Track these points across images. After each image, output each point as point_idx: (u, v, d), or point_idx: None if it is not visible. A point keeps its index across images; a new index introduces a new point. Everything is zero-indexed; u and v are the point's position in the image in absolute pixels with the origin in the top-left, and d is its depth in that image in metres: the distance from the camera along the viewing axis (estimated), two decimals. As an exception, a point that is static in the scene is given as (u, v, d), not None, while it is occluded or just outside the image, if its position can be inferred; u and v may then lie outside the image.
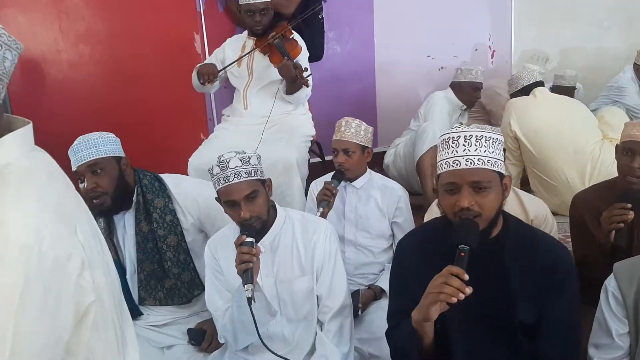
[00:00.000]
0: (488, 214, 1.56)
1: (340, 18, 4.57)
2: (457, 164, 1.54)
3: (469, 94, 4.21)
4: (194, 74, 3.29)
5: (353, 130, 2.68)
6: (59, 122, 3.55)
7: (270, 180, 2.08)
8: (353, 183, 2.74)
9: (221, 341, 2.14)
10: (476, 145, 1.54)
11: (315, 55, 4.02)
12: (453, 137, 1.57)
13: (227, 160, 1.94)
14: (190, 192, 2.40)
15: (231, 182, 1.94)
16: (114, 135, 2.29)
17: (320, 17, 4.14)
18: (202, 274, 2.32)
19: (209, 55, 3.72)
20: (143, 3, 3.61)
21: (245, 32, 3.43)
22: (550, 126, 3.59)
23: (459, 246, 1.47)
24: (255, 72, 3.33)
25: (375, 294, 2.64)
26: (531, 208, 2.50)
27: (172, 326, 2.37)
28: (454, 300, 1.40)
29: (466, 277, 1.42)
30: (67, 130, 3.48)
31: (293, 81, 3.15)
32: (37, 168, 1.02)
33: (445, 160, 1.58)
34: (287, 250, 2.08)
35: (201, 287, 2.34)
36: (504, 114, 3.83)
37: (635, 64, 4.74)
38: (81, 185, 2.18)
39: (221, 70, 3.27)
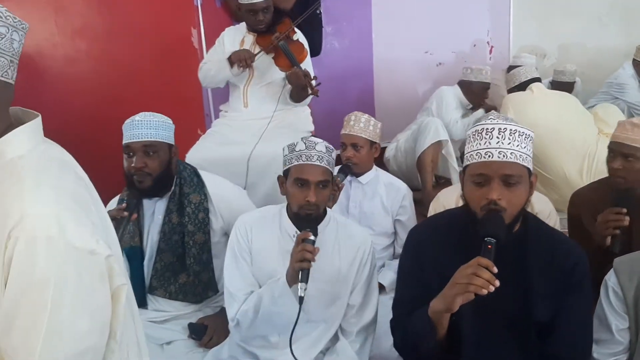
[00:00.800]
0: (514, 210, 1.55)
1: (338, 13, 4.56)
2: (489, 156, 1.53)
3: (479, 93, 4.20)
4: (206, 67, 3.28)
5: (362, 125, 2.68)
6: (55, 117, 3.49)
7: (338, 183, 2.09)
8: (359, 179, 2.74)
9: (231, 324, 2.08)
10: (510, 139, 1.53)
11: (314, 50, 4.00)
12: (487, 129, 1.55)
13: (315, 142, 1.97)
14: (227, 195, 2.41)
15: (313, 162, 1.95)
16: (172, 122, 2.31)
17: (318, 12, 4.12)
18: (218, 275, 2.33)
19: (207, 50, 3.70)
20: (140, -2, 3.59)
21: (244, 25, 3.37)
22: (547, 121, 3.58)
23: (486, 238, 1.46)
24: (257, 70, 3.28)
25: (375, 289, 2.64)
26: (536, 203, 2.48)
27: (172, 321, 2.35)
28: (484, 292, 1.39)
29: (495, 269, 1.41)
30: (63, 125, 3.48)
31: (302, 88, 3.12)
32: (49, 160, 1.03)
33: (476, 151, 1.56)
34: (326, 252, 2.03)
35: (215, 290, 2.34)
36: (501, 109, 3.83)
37: (634, 60, 4.73)
38: (127, 161, 2.18)
39: (257, 54, 3.18)
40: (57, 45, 3.60)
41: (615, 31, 5.46)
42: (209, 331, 2.28)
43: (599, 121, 3.77)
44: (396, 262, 2.23)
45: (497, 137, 1.53)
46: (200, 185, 2.36)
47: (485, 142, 1.54)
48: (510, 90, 3.97)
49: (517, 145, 1.53)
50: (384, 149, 4.28)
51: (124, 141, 2.19)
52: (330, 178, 2.00)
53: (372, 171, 2.77)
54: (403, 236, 2.76)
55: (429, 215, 2.56)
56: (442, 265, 1.52)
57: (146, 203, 2.33)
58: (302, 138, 2.00)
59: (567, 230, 2.57)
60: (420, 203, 3.52)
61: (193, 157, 3.09)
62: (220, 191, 2.40)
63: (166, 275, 2.33)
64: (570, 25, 5.42)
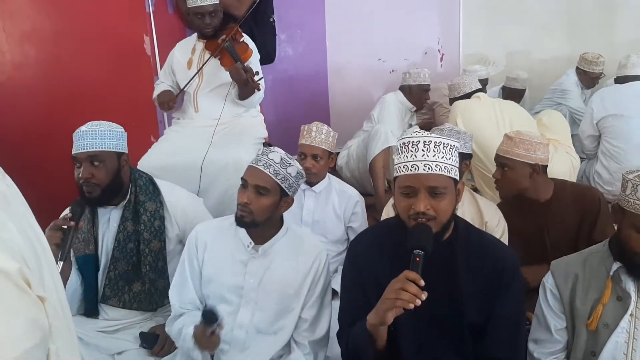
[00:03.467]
0: (442, 218, 1.60)
1: (292, 20, 4.59)
2: (415, 169, 1.58)
3: (419, 96, 4.32)
4: (155, 94, 3.35)
5: (323, 137, 2.71)
6: (3, 124, 3.46)
7: (292, 199, 2.04)
8: (313, 188, 2.77)
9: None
10: (434, 151, 1.58)
11: (268, 57, 4.03)
12: (412, 142, 1.61)
13: (271, 151, 1.98)
14: (182, 203, 2.41)
15: (257, 165, 1.96)
16: (123, 130, 2.29)
17: (271, 19, 4.16)
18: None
19: (159, 56, 3.68)
20: (91, 3, 3.53)
21: (195, 35, 3.40)
22: (493, 125, 3.70)
23: (414, 251, 1.50)
24: (206, 74, 3.30)
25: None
26: (486, 211, 2.59)
27: (124, 330, 2.33)
28: (411, 306, 1.44)
29: (422, 282, 1.45)
30: (12, 132, 3.42)
31: (245, 85, 3.14)
32: None
33: (403, 164, 1.61)
34: (281, 264, 2.03)
35: None
36: (450, 114, 3.92)
37: (577, 67, 4.93)
38: (76, 171, 2.18)
39: (178, 94, 3.27)
40: (4, 51, 3.53)
41: (559, 40, 5.67)
42: (160, 340, 2.27)
43: (542, 127, 3.90)
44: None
45: (423, 150, 1.58)
46: (156, 193, 2.36)
47: (412, 155, 1.59)
48: (453, 99, 4.08)
49: (442, 157, 1.59)
50: (336, 155, 4.35)
51: (72, 152, 2.18)
52: (275, 188, 1.95)
53: (325, 179, 2.81)
54: None
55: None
56: (378, 275, 1.56)
57: (101, 211, 2.32)
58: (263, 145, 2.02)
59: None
60: (373, 208, 3.57)
61: (145, 164, 3.07)
62: (176, 199, 2.40)
63: (120, 284, 2.31)
64: (517, 33, 5.61)
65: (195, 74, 3.25)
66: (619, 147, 3.66)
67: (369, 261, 1.75)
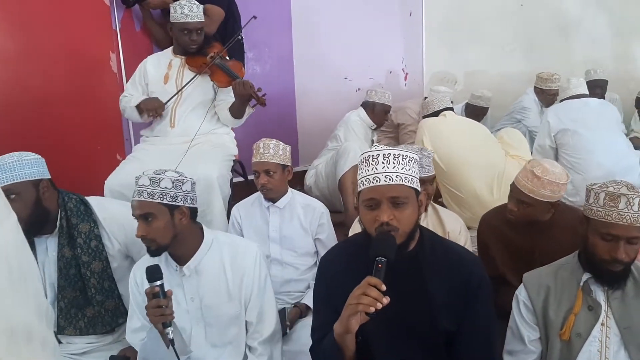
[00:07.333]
0: (405, 228, 1.62)
1: (259, 39, 4.61)
2: (377, 181, 1.60)
3: (380, 115, 4.41)
4: (128, 108, 3.27)
5: (272, 151, 2.70)
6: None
7: (186, 208, 2.01)
8: (276, 204, 2.77)
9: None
10: (394, 163, 1.61)
11: (235, 75, 4.04)
12: (372, 155, 1.64)
13: (140, 177, 1.95)
14: (117, 216, 2.33)
15: (133, 198, 1.96)
16: (37, 156, 2.20)
17: (240, 37, 4.17)
18: (127, 300, 2.25)
19: (126, 74, 3.65)
20: (55, 20, 3.48)
21: (170, 50, 3.39)
22: (460, 142, 3.79)
23: (377, 258, 1.52)
24: (185, 91, 3.29)
25: (301, 311, 2.67)
26: (447, 221, 2.63)
27: (93, 354, 2.29)
28: (372, 309, 1.44)
29: (383, 287, 1.47)
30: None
31: (247, 100, 3.15)
32: None
33: (365, 177, 1.63)
34: (213, 275, 2.05)
35: (125, 315, 2.26)
36: (417, 132, 4.00)
37: (535, 87, 5.09)
38: None
39: (167, 102, 3.23)
40: (-35, 69, 3.44)
41: (518, 59, 5.86)
42: None
43: (505, 144, 4.02)
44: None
45: (383, 162, 1.61)
46: (87, 212, 2.29)
47: (373, 168, 1.62)
48: (425, 117, 4.16)
49: (402, 168, 1.62)
50: (304, 173, 4.36)
51: None
52: (159, 209, 1.94)
53: (288, 194, 2.80)
54: None
55: None
56: (348, 289, 1.55)
57: (37, 241, 2.25)
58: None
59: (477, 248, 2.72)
60: (343, 225, 3.59)
61: (112, 183, 3.02)
62: (110, 214, 2.34)
63: (72, 312, 2.26)
64: (478, 52, 5.78)
65: (179, 91, 3.23)
66: (580, 158, 3.74)
67: (338, 277, 1.75)
